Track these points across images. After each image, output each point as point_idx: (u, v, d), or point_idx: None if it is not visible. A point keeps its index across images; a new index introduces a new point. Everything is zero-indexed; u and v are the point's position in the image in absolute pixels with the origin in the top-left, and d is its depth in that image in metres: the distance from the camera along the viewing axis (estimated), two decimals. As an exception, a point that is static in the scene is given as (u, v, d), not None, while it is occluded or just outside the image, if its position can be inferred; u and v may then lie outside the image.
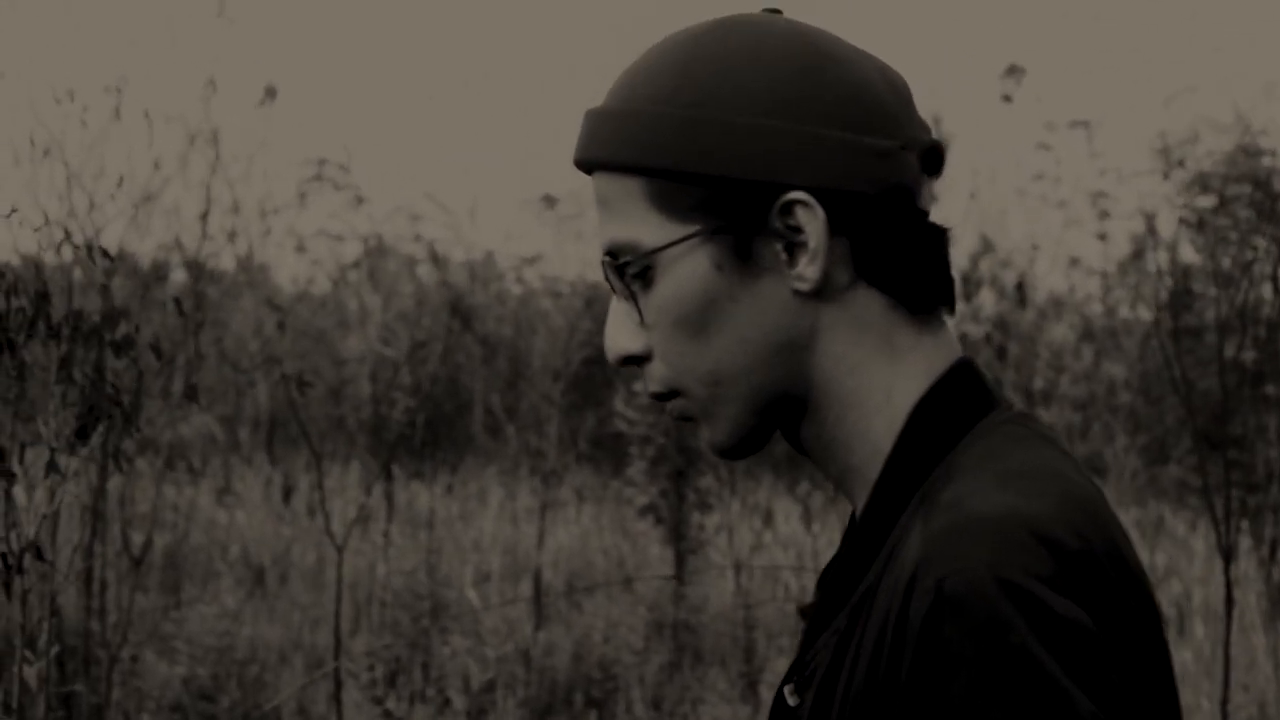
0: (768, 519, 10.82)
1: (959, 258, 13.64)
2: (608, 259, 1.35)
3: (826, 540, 9.72)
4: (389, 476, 8.86)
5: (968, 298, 13.67)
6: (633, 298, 1.35)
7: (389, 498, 9.04)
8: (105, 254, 3.56)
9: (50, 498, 3.49)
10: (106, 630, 6.44)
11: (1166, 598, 9.03)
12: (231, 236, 10.94)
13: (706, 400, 1.35)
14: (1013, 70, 16.41)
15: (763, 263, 1.32)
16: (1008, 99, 16.51)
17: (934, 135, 1.38)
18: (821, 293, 1.32)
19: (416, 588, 7.87)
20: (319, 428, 15.13)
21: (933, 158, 1.36)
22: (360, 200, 15.28)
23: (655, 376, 1.36)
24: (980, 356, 12.74)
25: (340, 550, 5.31)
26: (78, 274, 6.58)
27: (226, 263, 12.57)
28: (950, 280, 1.37)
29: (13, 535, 3.61)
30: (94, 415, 3.65)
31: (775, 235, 1.32)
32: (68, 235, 3.95)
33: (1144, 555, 10.06)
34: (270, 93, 6.97)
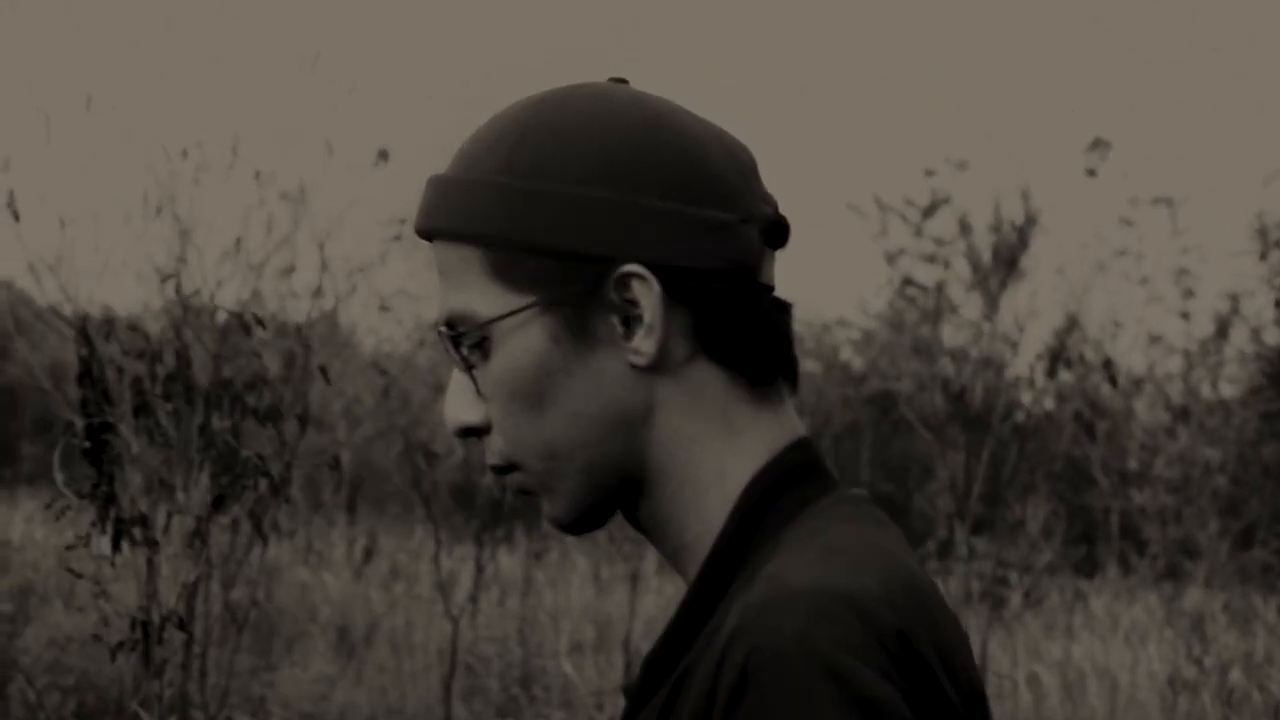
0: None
1: (1044, 333, 13.56)
2: (444, 329, 1.34)
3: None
4: (479, 543, 8.81)
5: (1051, 374, 13.54)
6: (470, 368, 1.33)
7: (478, 564, 8.99)
8: (259, 321, 3.52)
9: (193, 565, 3.44)
10: (206, 692, 6.39)
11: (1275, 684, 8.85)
12: (317, 294, 10.95)
13: (543, 474, 1.34)
14: (1098, 144, 16.33)
15: (598, 335, 1.30)
16: (1092, 173, 16.42)
17: (777, 208, 1.35)
18: (658, 367, 1.31)
19: (508, 656, 7.80)
20: (395, 488, 15.10)
21: (775, 231, 1.34)
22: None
23: (493, 449, 1.35)
24: (1065, 434, 12.61)
25: (456, 622, 5.24)
26: (198, 337, 6.55)
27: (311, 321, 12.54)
28: (792, 356, 1.35)
29: (153, 605, 3.57)
30: (238, 483, 3.60)
31: (611, 308, 1.30)
32: (211, 298, 3.91)
33: (1234, 641, 9.89)
34: (383, 155, 6.94)
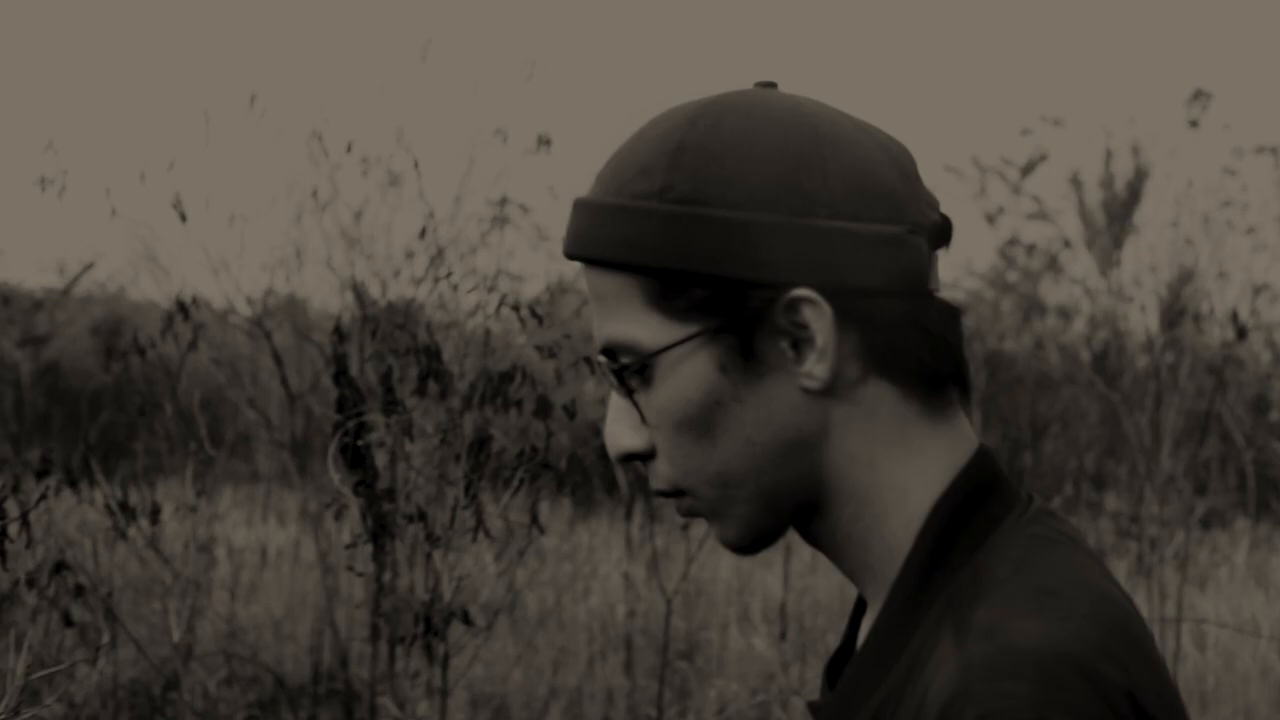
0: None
1: (1159, 288, 13.49)
2: (604, 358, 1.30)
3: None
4: (629, 516, 8.87)
5: (1170, 327, 13.49)
6: (632, 395, 1.30)
7: (628, 538, 9.05)
8: (534, 313, 3.57)
9: (496, 559, 3.50)
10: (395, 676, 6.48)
11: None
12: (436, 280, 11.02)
13: (715, 501, 1.30)
14: (1199, 95, 16.22)
15: (768, 361, 1.26)
16: (1194, 125, 16.32)
17: (939, 208, 1.31)
18: (831, 389, 1.27)
19: (671, 629, 7.86)
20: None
21: (941, 234, 1.30)
22: (544, 239, 15.36)
23: (660, 475, 1.32)
24: (1190, 386, 12.56)
25: (669, 602, 5.30)
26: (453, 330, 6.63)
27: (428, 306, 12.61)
28: (964, 363, 1.30)
29: (435, 599, 3.64)
30: (509, 478, 3.66)
31: (780, 333, 1.26)
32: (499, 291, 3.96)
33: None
34: (544, 141, 6.99)
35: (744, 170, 1.25)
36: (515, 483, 3.63)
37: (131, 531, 4.47)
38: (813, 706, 1.34)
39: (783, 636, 8.48)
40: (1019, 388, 13.85)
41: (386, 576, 3.79)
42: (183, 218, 6.70)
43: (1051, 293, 17.21)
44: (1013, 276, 17.94)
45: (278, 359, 6.05)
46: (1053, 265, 17.22)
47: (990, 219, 18.27)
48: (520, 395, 3.75)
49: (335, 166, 6.93)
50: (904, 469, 1.28)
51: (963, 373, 1.30)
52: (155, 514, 4.20)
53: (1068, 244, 17.11)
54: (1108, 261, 15.52)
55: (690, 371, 1.26)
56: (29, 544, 3.11)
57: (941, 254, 1.32)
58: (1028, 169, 18.47)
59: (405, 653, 3.59)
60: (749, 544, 1.32)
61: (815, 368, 1.25)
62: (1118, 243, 15.34)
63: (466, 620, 3.54)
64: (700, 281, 1.25)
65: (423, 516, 3.59)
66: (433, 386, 3.80)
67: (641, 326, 1.27)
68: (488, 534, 3.52)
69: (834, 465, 1.28)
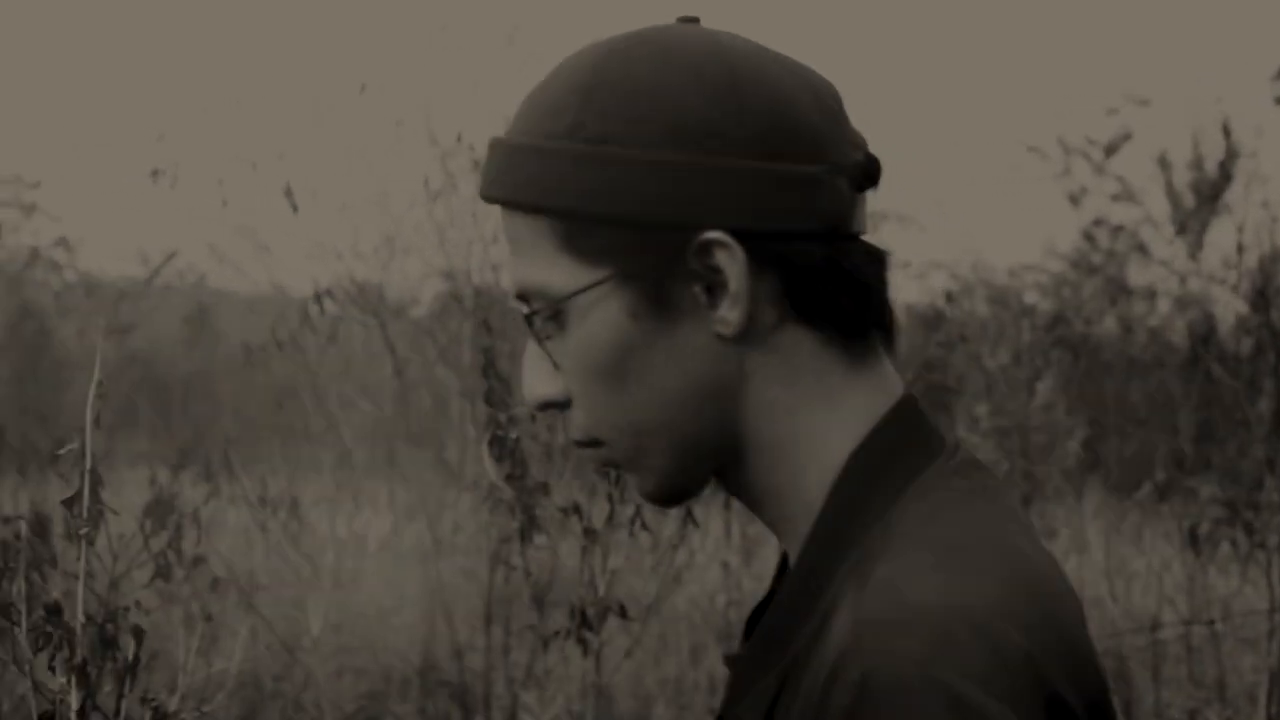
0: None
1: (1249, 269, 13.35)
2: (518, 301, 1.27)
3: None
4: (727, 504, 8.85)
5: (1258, 309, 13.33)
6: (546, 342, 1.26)
7: (726, 526, 9.02)
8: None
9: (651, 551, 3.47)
10: (509, 669, 6.47)
11: None
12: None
13: (630, 451, 1.26)
14: (1285, 73, 16.03)
15: (681, 307, 1.22)
16: (1280, 102, 16.14)
17: (866, 148, 1.25)
18: (746, 335, 1.22)
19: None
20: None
21: (866, 174, 1.24)
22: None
23: (575, 424, 1.28)
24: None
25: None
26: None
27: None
28: (889, 309, 1.25)
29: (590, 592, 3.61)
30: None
31: (693, 277, 1.21)
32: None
33: None
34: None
35: (656, 108, 1.20)
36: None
37: (270, 524, 4.46)
38: (728, 660, 1.29)
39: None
40: (1106, 372, 13.74)
41: (535, 570, 3.77)
42: (294, 207, 6.71)
43: (1138, 275, 17.08)
44: (1097, 258, 17.81)
45: (391, 349, 6.04)
46: (1139, 247, 17.08)
47: (1074, 200, 18.14)
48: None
49: (447, 154, 6.92)
50: (823, 418, 1.24)
51: (886, 320, 1.25)
52: (295, 507, 4.19)
53: (1154, 225, 16.97)
54: (1197, 243, 15.38)
55: (601, 317, 1.23)
56: (198, 541, 3.10)
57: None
58: (1112, 149, 18.33)
59: (559, 647, 3.56)
60: (666, 496, 1.28)
61: (729, 313, 1.21)
62: (1205, 224, 15.20)
63: (623, 614, 3.51)
64: (610, 223, 1.21)
65: (578, 510, 3.56)
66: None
67: (553, 270, 1.23)
68: (645, 527, 3.49)
69: (751, 415, 1.24)
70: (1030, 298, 18.60)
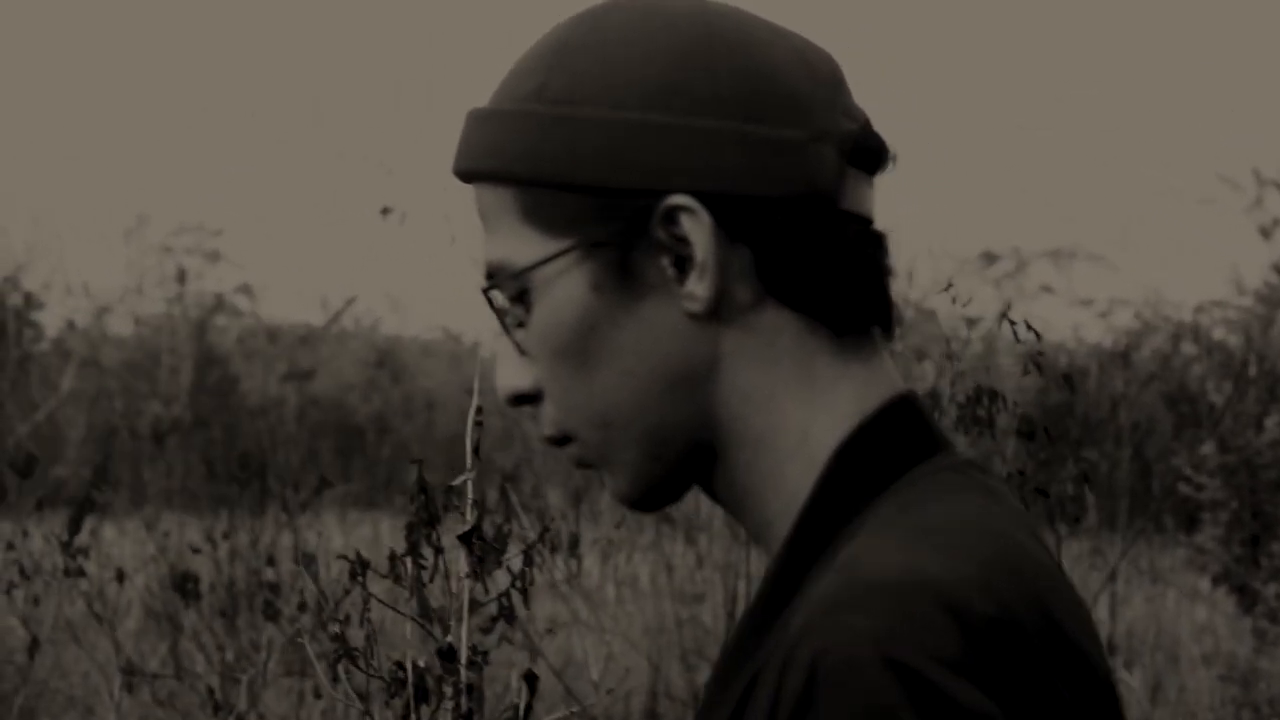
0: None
1: None
2: (486, 281, 1.17)
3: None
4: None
5: None
6: (511, 326, 1.16)
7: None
8: (1033, 332, 3.38)
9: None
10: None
11: None
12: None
13: (599, 445, 1.16)
14: None
15: (647, 280, 1.12)
16: None
17: (866, 122, 1.15)
18: (719, 314, 1.12)
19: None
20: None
21: (862, 151, 1.13)
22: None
23: (547, 418, 1.17)
24: None
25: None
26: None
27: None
28: (886, 297, 1.14)
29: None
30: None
31: (659, 248, 1.11)
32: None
33: None
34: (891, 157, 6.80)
35: (622, 67, 1.12)
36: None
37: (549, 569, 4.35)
38: (715, 667, 1.17)
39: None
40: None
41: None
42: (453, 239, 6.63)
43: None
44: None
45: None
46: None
47: (1265, 233, 17.76)
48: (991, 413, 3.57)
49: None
50: (806, 409, 1.13)
51: (884, 309, 1.15)
52: (575, 547, 4.07)
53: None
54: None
55: (564, 294, 1.13)
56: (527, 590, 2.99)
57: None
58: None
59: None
60: (640, 496, 1.17)
61: (696, 287, 1.11)
62: None
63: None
64: (571, 190, 1.12)
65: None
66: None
67: (518, 244, 1.14)
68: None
69: (726, 403, 1.14)
70: (1218, 334, 18.22)
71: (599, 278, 1.13)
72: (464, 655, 2.33)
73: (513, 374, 1.18)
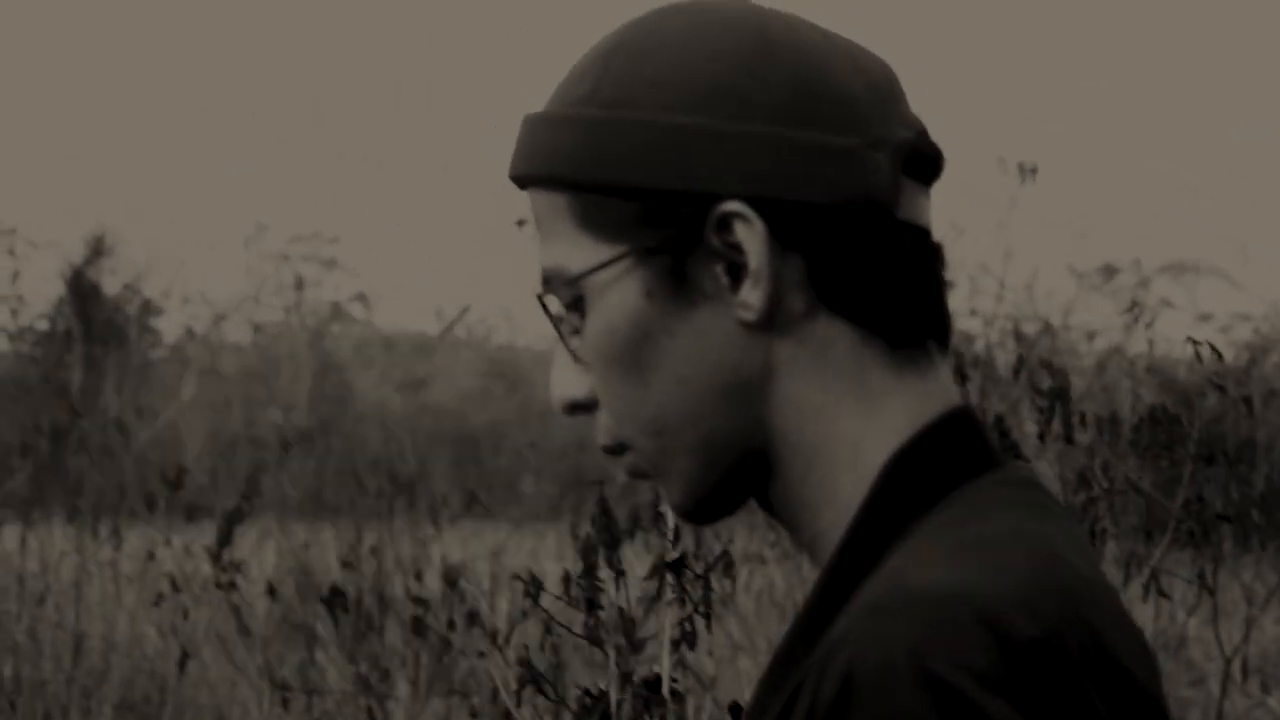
0: None
1: None
2: (541, 288, 1.17)
3: None
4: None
5: None
6: (566, 334, 1.16)
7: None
8: (1216, 352, 3.31)
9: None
10: None
11: None
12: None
13: (653, 454, 1.15)
14: None
15: (701, 288, 1.11)
16: None
17: (922, 131, 1.13)
18: (772, 323, 1.11)
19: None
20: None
21: (918, 159, 1.12)
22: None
23: (602, 427, 1.16)
24: None
25: (1228, 663, 4.99)
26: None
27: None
28: (943, 308, 1.14)
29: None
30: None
31: (713, 255, 1.11)
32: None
33: None
34: (1028, 170, 6.70)
35: (675, 71, 1.12)
36: (1180, 537, 3.37)
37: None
38: (733, 708, 1.19)
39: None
40: None
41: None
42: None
43: None
44: None
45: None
46: None
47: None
48: (1179, 437, 3.49)
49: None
50: (858, 421, 1.12)
51: (941, 321, 1.14)
52: (730, 568, 4.02)
53: None
54: None
55: (618, 300, 1.13)
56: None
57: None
58: None
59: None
60: (696, 506, 1.16)
61: (750, 295, 1.11)
62: None
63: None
64: (626, 194, 1.12)
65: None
66: (1056, 428, 3.57)
67: (573, 249, 1.14)
68: (1161, 593, 3.27)
69: (779, 413, 1.13)
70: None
71: (652, 285, 1.12)
72: (666, 686, 2.29)
73: (568, 382, 1.17)
